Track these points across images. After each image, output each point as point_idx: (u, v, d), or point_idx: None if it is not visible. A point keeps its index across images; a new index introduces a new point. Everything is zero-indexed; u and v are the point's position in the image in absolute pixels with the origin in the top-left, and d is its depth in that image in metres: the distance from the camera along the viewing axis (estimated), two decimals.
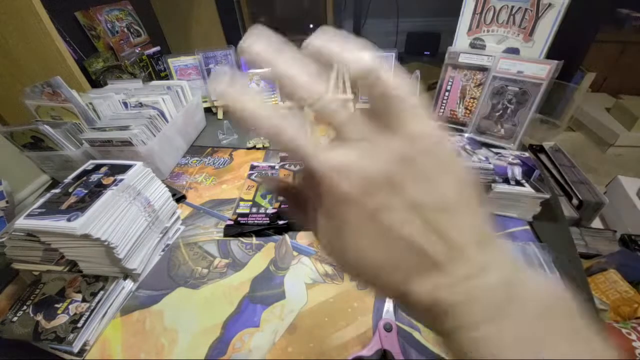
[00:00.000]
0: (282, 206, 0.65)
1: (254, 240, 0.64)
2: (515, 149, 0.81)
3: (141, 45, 1.28)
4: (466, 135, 0.73)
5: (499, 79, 0.79)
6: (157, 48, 1.26)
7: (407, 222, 0.15)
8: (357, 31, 1.68)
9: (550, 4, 0.72)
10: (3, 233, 0.59)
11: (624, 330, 0.69)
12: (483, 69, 0.84)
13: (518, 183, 0.63)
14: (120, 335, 0.50)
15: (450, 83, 0.91)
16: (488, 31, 0.82)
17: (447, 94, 0.92)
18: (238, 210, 0.68)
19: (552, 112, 1.17)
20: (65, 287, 0.54)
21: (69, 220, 0.47)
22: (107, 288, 0.54)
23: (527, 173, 0.65)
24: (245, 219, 0.65)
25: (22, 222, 0.48)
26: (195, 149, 0.94)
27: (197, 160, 0.89)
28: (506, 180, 0.63)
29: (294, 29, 2.17)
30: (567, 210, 1.05)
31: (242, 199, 0.71)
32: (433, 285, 0.15)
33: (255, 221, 0.65)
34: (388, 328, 0.47)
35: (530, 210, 0.64)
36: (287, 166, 0.77)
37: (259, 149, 0.92)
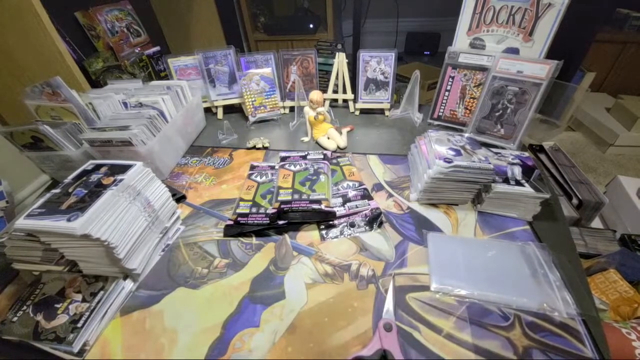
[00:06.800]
0: (282, 206, 0.65)
1: (254, 240, 0.64)
2: (515, 149, 0.81)
3: (141, 45, 1.28)
4: (466, 135, 0.73)
5: (499, 79, 0.79)
6: (157, 48, 1.26)
7: None
8: (357, 31, 1.68)
9: (550, 4, 0.72)
10: (3, 233, 0.59)
11: (623, 330, 0.69)
12: (483, 69, 0.84)
13: (518, 183, 0.63)
14: (120, 335, 0.50)
15: (450, 83, 0.91)
16: (488, 31, 0.82)
17: (447, 94, 0.92)
18: (238, 210, 0.68)
19: (552, 112, 1.17)
20: (65, 287, 0.54)
21: (69, 220, 0.47)
22: (107, 288, 0.54)
23: (527, 173, 0.65)
24: (245, 219, 0.65)
25: (22, 222, 0.48)
26: (195, 149, 0.94)
27: (197, 160, 0.89)
28: (506, 180, 0.64)
29: (294, 29, 2.17)
30: (567, 210, 1.04)
31: (242, 199, 0.71)
32: None
33: (255, 221, 0.65)
34: (388, 328, 0.47)
35: (530, 210, 0.64)
36: (287, 166, 0.77)
37: (258, 149, 0.92)
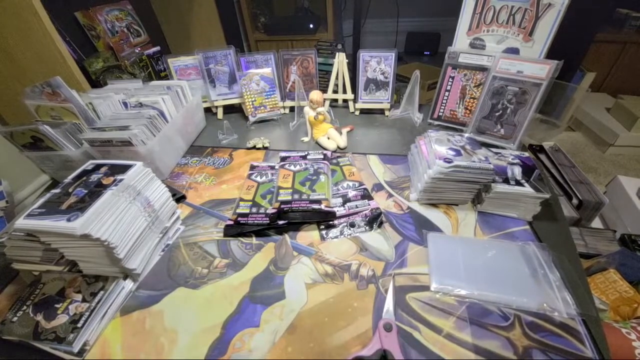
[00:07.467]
0: (282, 206, 0.65)
1: (254, 240, 0.64)
2: (515, 149, 0.81)
3: (141, 45, 1.28)
4: (466, 135, 0.73)
5: (499, 79, 0.79)
6: (157, 48, 1.26)
7: None
8: (357, 31, 1.68)
9: (550, 4, 0.72)
10: (3, 233, 0.59)
11: (623, 330, 0.69)
12: (483, 69, 0.84)
13: (518, 183, 0.63)
14: (120, 335, 0.50)
15: (450, 83, 0.91)
16: (488, 31, 0.82)
17: (447, 94, 0.92)
18: (238, 210, 0.68)
19: (552, 112, 1.17)
20: (65, 287, 0.54)
21: (68, 220, 0.47)
22: (107, 288, 0.54)
23: (527, 173, 0.65)
24: (245, 219, 0.65)
25: (22, 222, 0.48)
26: (195, 149, 0.94)
27: (197, 160, 0.89)
28: (506, 180, 0.64)
29: (294, 29, 2.17)
30: (567, 210, 1.04)
31: (242, 199, 0.71)
32: None
33: (255, 221, 0.65)
34: (388, 328, 0.47)
35: (530, 210, 0.64)
36: (287, 166, 0.77)
37: (258, 149, 0.92)
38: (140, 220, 0.56)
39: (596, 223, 1.20)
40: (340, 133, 0.93)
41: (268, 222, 0.64)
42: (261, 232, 0.65)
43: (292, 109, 1.08)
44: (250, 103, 1.00)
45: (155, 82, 0.95)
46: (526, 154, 0.71)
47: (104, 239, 0.48)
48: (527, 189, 0.62)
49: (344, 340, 0.47)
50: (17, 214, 0.82)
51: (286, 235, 0.64)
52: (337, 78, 1.04)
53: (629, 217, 1.21)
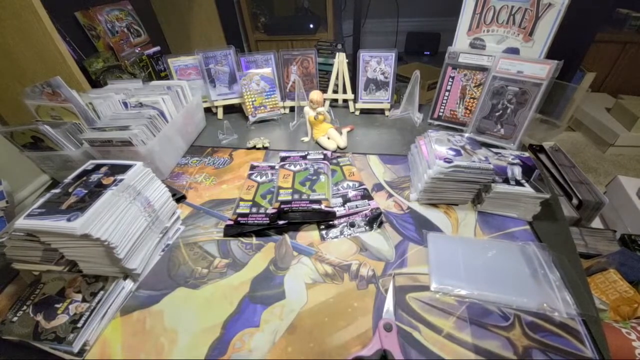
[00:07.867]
0: (282, 206, 0.65)
1: (254, 240, 0.64)
2: (515, 149, 0.81)
3: (141, 45, 1.28)
4: (466, 135, 0.73)
5: (499, 79, 0.79)
6: (157, 48, 1.26)
7: None
8: (357, 31, 1.68)
9: (550, 4, 0.72)
10: (3, 233, 0.59)
11: (623, 330, 0.69)
12: (483, 69, 0.84)
13: (518, 183, 0.63)
14: (120, 335, 0.50)
15: (450, 83, 0.91)
16: (488, 31, 0.82)
17: (447, 94, 0.92)
18: (238, 210, 0.68)
19: (552, 112, 1.17)
20: (65, 287, 0.54)
21: (68, 220, 0.47)
22: (107, 288, 0.54)
23: (527, 173, 0.65)
24: (245, 219, 0.65)
25: (22, 222, 0.48)
26: (195, 149, 0.94)
27: (197, 160, 0.89)
28: (506, 180, 0.64)
29: (294, 29, 2.17)
30: (567, 210, 1.04)
31: (242, 199, 0.71)
32: None
33: (255, 221, 0.65)
34: (388, 328, 0.47)
35: (530, 210, 0.64)
36: (287, 166, 0.77)
37: (258, 149, 0.92)
38: (140, 220, 0.56)
39: (596, 223, 1.20)
40: (341, 133, 0.93)
41: (268, 222, 0.64)
42: (261, 232, 0.65)
43: (292, 109, 1.08)
44: (250, 103, 1.00)
45: (155, 82, 0.95)
46: (526, 154, 0.71)
47: (104, 239, 0.48)
48: (527, 189, 0.62)
49: (344, 340, 0.47)
50: (17, 214, 0.82)
51: (286, 235, 0.64)
52: (337, 78, 1.04)
53: (629, 217, 1.21)
